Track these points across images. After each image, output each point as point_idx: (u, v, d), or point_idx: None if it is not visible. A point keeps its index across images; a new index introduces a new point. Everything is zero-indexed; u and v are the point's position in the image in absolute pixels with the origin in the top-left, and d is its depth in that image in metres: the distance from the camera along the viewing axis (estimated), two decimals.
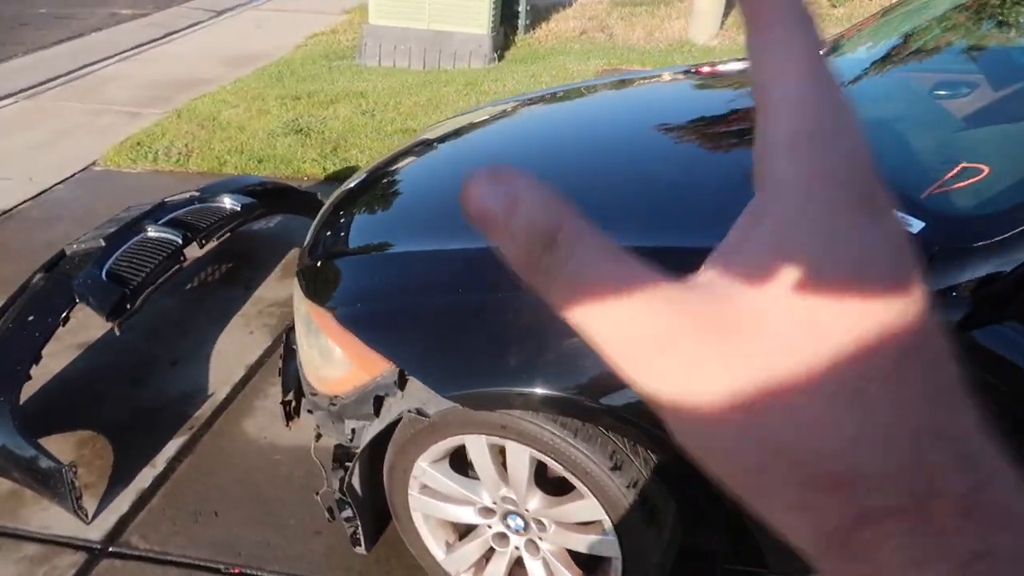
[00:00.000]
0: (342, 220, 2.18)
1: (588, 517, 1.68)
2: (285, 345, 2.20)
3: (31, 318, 2.51)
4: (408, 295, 1.78)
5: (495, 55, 6.55)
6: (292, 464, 2.48)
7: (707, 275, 0.25)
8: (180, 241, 2.90)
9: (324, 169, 4.57)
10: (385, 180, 2.39)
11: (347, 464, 2.00)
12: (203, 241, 3.02)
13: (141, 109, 5.61)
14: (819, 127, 0.24)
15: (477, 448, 1.72)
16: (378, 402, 1.73)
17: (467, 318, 1.67)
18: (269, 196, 3.50)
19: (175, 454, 2.53)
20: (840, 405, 0.22)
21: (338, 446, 2.03)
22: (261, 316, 3.26)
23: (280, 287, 3.47)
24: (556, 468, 1.65)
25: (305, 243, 2.20)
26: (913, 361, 0.23)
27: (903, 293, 0.23)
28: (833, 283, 0.22)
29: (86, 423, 2.65)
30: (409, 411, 1.67)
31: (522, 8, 7.05)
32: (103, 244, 2.81)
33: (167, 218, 3.04)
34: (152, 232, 2.93)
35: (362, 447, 1.78)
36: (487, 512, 1.84)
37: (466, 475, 1.87)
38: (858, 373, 0.22)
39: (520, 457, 1.67)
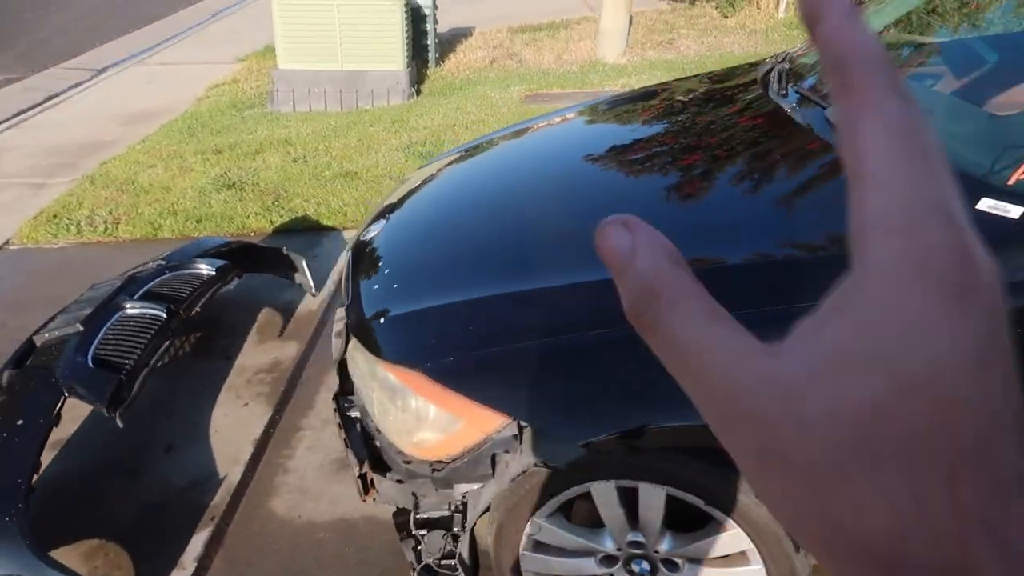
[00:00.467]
0: (383, 271, 2.03)
1: (733, 549, 1.61)
2: (340, 413, 2.01)
3: (20, 422, 2.21)
4: (505, 341, 1.65)
5: (413, 90, 6.45)
6: (340, 541, 2.28)
7: (793, 349, 0.24)
8: (165, 315, 2.65)
9: (271, 222, 4.32)
10: (409, 224, 2.26)
11: (415, 533, 1.85)
12: (187, 312, 2.77)
13: (46, 179, 5.17)
14: (914, 207, 0.22)
15: (605, 494, 1.61)
16: (494, 460, 1.59)
17: (581, 358, 1.57)
18: (237, 256, 3.26)
19: (203, 551, 2.28)
20: (898, 499, 0.22)
21: (396, 514, 1.88)
22: (251, 386, 3.02)
23: (261, 352, 3.23)
24: (695, 503, 1.57)
25: (344, 302, 2.04)
26: (973, 463, 0.22)
27: (980, 391, 0.22)
28: (906, 386, 0.22)
29: (90, 530, 2.36)
30: (536, 464, 1.55)
31: (431, 41, 6.99)
32: (80, 328, 2.52)
33: (142, 291, 2.77)
34: (132, 309, 2.66)
35: (477, 511, 1.64)
36: (609, 560, 1.73)
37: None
38: (915, 471, 0.22)
39: (655, 497, 1.58)
